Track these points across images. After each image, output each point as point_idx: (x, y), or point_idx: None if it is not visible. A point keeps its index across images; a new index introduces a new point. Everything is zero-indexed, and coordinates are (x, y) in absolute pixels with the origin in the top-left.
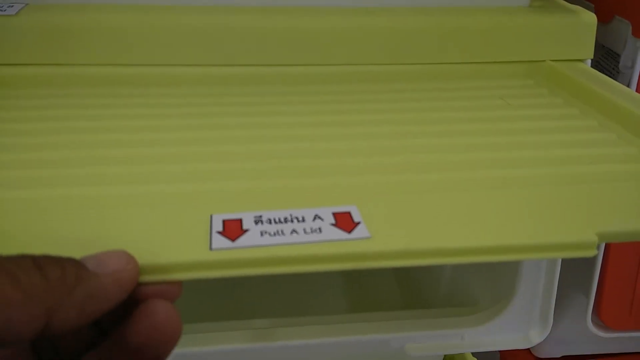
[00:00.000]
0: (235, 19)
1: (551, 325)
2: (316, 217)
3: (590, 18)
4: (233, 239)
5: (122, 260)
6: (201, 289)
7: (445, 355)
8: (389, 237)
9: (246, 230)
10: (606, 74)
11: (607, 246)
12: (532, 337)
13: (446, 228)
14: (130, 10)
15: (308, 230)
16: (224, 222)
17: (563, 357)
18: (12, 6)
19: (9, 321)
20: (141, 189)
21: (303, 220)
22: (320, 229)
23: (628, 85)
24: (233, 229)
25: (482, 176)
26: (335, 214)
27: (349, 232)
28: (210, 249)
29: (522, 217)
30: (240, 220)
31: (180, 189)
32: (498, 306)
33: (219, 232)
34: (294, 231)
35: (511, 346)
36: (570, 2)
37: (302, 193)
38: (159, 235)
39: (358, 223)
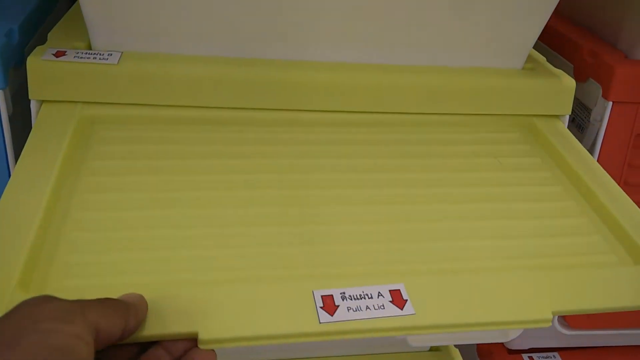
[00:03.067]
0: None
1: None
2: (379, 294)
3: (570, 83)
4: (332, 314)
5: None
6: None
7: (431, 346)
8: (425, 314)
9: (338, 306)
10: (578, 122)
11: None
12: (510, 333)
13: (459, 306)
14: (205, 61)
15: (376, 306)
16: (322, 297)
17: (530, 349)
18: (112, 55)
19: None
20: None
21: (371, 297)
22: (383, 306)
23: (596, 135)
24: (329, 305)
25: (487, 259)
26: (390, 291)
27: (401, 308)
28: (319, 322)
29: (512, 298)
30: (332, 296)
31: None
32: None
33: (322, 307)
34: (367, 307)
35: (492, 340)
36: (555, 61)
37: (368, 272)
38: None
39: (406, 300)
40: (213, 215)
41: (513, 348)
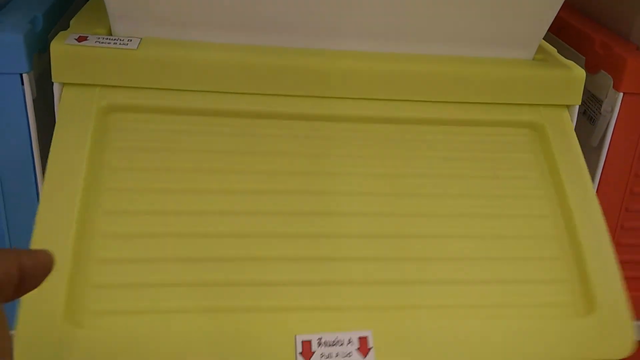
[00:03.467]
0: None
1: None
2: (349, 341)
3: (580, 74)
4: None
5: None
6: None
7: None
8: None
9: (313, 352)
10: (589, 114)
11: None
12: None
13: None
14: (224, 47)
15: (344, 354)
16: (302, 342)
17: None
18: (132, 40)
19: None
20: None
21: (342, 344)
22: (350, 354)
23: (607, 126)
24: (307, 351)
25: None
26: (359, 338)
27: (365, 357)
28: None
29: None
30: (310, 342)
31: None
32: None
33: (300, 353)
34: (337, 354)
35: None
36: (566, 53)
37: (341, 317)
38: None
39: (370, 349)
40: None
41: None
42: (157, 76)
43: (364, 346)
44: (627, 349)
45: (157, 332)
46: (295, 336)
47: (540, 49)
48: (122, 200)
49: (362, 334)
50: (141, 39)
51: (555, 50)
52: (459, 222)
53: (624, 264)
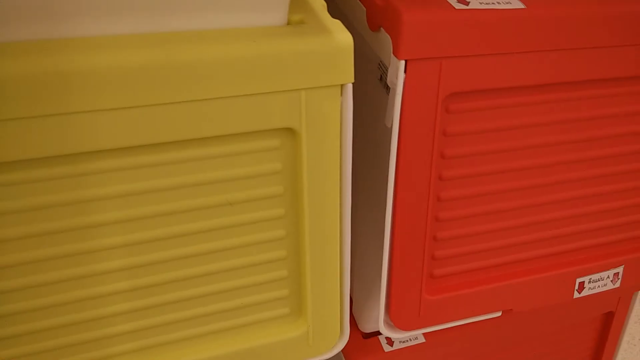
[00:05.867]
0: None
1: (347, 334)
2: None
3: (346, 40)
4: None
5: None
6: None
7: None
8: None
9: None
10: (383, 84)
11: (391, 255)
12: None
13: None
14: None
15: None
16: None
17: None
18: None
19: None
20: None
21: None
22: None
23: (395, 102)
24: None
25: None
26: None
27: None
28: None
29: None
30: None
31: None
32: None
33: None
34: None
35: None
36: (349, 2)
37: None
38: None
39: None
40: None
41: (368, 332)
42: None
43: None
44: (331, 351)
45: None
46: None
47: (302, 6)
48: None
49: None
50: None
51: (324, 4)
52: (191, 261)
53: (442, 259)
